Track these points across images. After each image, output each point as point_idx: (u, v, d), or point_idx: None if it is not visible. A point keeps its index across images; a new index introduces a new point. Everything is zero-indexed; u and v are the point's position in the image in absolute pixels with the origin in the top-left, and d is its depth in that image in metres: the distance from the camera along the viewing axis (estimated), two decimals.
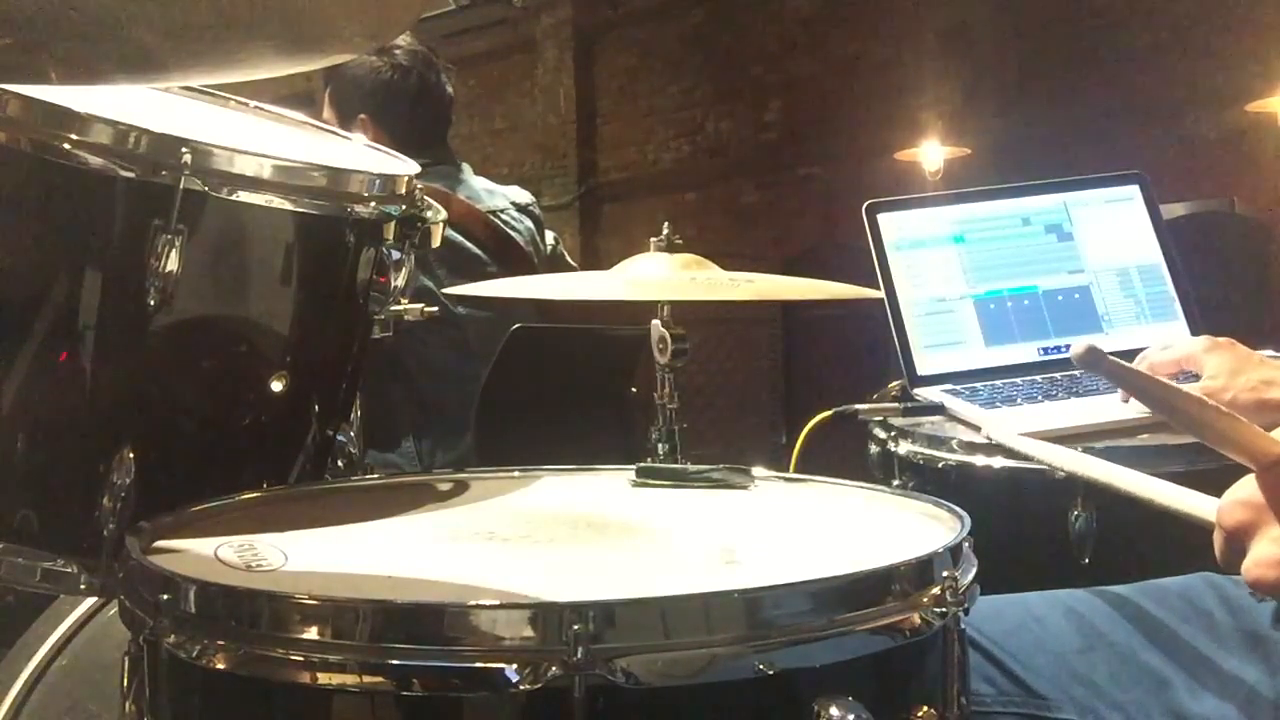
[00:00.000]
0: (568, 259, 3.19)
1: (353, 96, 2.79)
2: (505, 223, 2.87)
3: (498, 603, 0.84)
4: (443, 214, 1.41)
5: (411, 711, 0.85)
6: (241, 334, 1.29)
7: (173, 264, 1.15)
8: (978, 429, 1.57)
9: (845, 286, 1.55)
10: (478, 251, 2.77)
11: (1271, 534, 0.82)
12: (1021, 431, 1.49)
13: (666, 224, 1.46)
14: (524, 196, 3.00)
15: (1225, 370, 1.42)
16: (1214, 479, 0.95)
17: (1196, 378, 1.48)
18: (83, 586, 1.25)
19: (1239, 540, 0.85)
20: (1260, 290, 7.42)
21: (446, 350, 2.67)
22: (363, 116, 2.77)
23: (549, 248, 3.04)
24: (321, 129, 1.60)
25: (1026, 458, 1.38)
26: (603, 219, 10.72)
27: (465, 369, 2.69)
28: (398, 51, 2.79)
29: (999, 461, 1.50)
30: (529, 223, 2.94)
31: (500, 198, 2.92)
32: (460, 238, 2.71)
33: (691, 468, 1.30)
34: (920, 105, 8.50)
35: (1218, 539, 0.88)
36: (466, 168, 2.93)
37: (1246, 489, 0.85)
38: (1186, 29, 7.57)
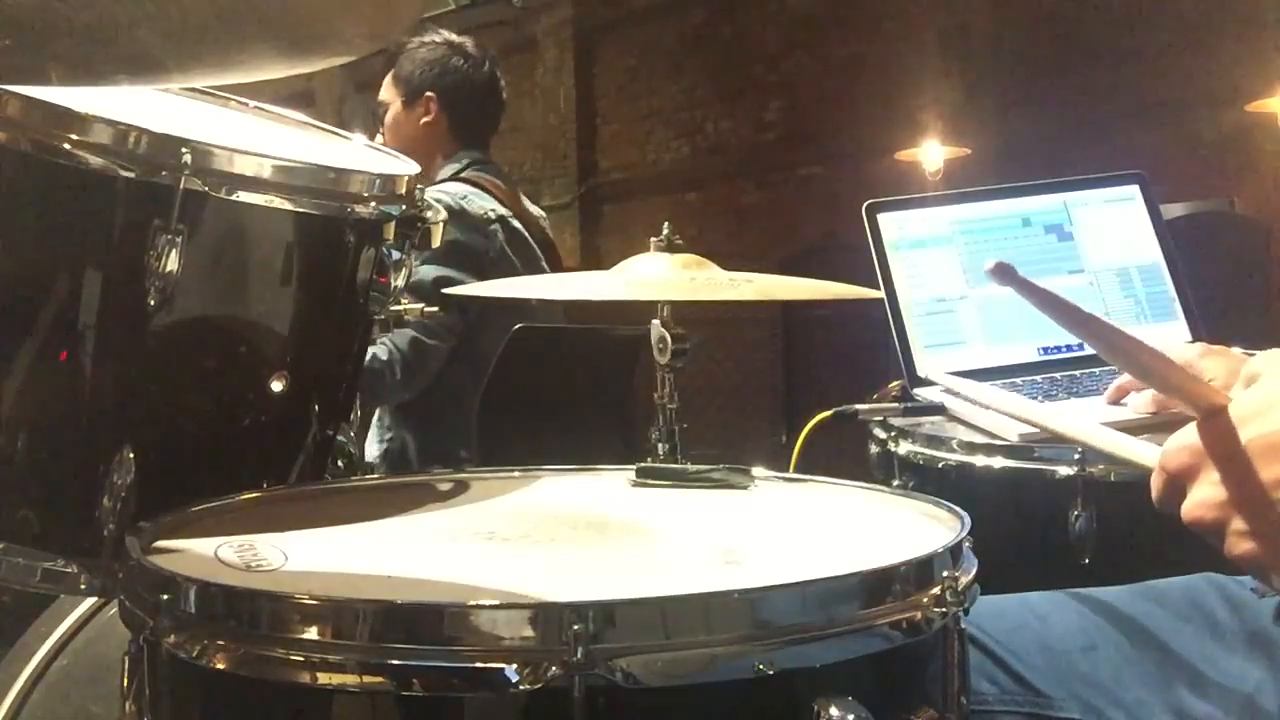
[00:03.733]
0: None
1: (423, 74, 2.88)
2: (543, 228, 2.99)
3: (498, 603, 0.84)
4: (443, 214, 1.41)
5: (411, 711, 0.85)
6: (241, 334, 1.29)
7: (173, 264, 1.15)
8: (978, 429, 1.57)
9: (845, 286, 1.55)
10: (536, 250, 2.85)
11: (1210, 478, 0.87)
12: (1021, 432, 1.49)
13: (666, 224, 1.46)
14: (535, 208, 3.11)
15: (1223, 374, 1.42)
16: None
17: None
18: (83, 586, 1.25)
19: (1179, 482, 0.89)
20: (1260, 290, 7.42)
21: (439, 334, 2.70)
22: (430, 94, 2.86)
23: None
24: (322, 129, 1.60)
25: (964, 398, 1.39)
26: (603, 219, 10.72)
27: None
28: (467, 44, 2.93)
29: (999, 461, 1.50)
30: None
31: (533, 205, 3.05)
32: (525, 232, 2.83)
33: (691, 468, 1.30)
34: (920, 105, 8.50)
35: (1157, 480, 0.91)
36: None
37: (1189, 435, 0.89)
38: (1187, 29, 7.57)
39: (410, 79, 2.88)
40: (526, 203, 2.97)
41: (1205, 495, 0.87)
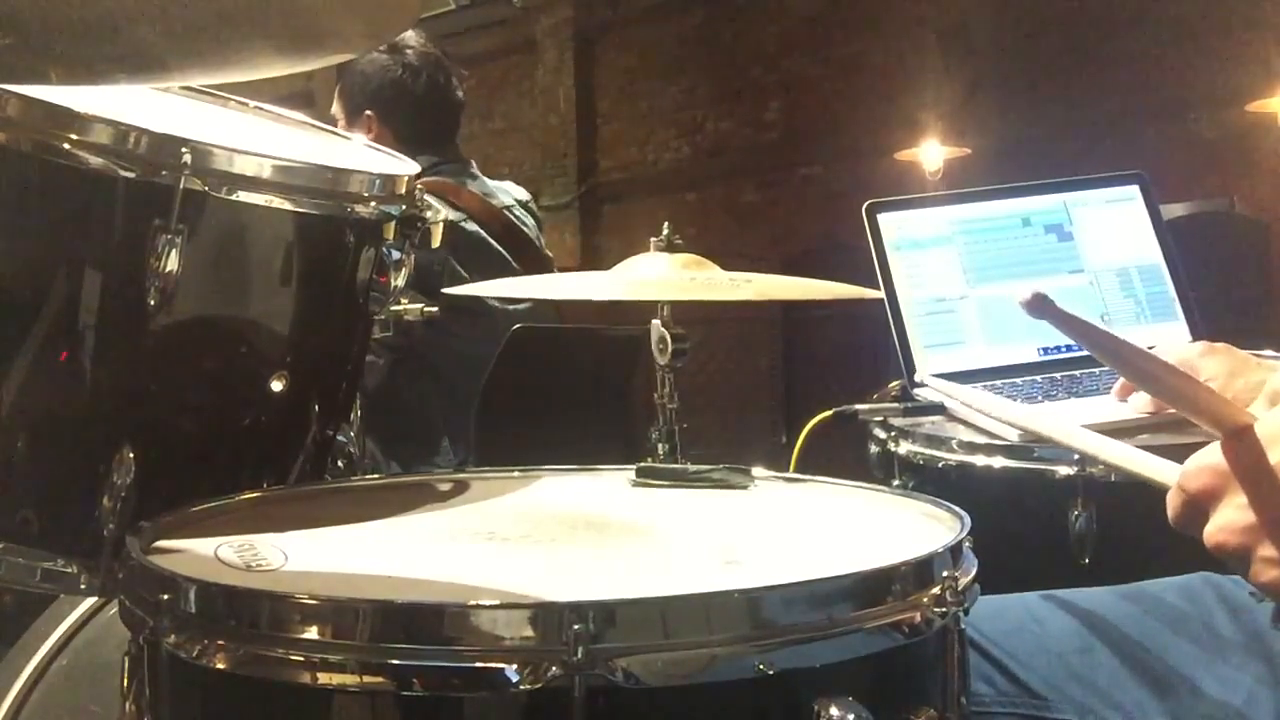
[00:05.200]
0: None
1: (361, 92, 2.83)
2: (517, 219, 2.90)
3: (498, 603, 0.84)
4: (443, 214, 1.41)
5: (411, 711, 0.85)
6: (241, 334, 1.29)
7: (173, 264, 1.15)
8: (978, 429, 1.57)
9: (845, 286, 1.55)
10: (498, 247, 2.79)
11: (1236, 501, 0.83)
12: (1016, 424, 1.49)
13: (666, 224, 1.46)
14: (523, 194, 3.04)
15: (1224, 373, 1.42)
16: None
17: None
18: (83, 586, 1.25)
19: (1201, 504, 0.86)
20: (1260, 290, 7.42)
21: (481, 343, 2.67)
22: (369, 113, 2.81)
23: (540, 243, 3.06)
24: (321, 129, 1.60)
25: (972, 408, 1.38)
26: (603, 219, 10.72)
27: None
28: (409, 51, 2.83)
29: (999, 461, 1.50)
30: (531, 220, 2.97)
31: (506, 195, 2.96)
32: (483, 233, 2.74)
33: (691, 468, 1.30)
34: (920, 105, 8.50)
35: (1176, 501, 0.88)
36: (474, 166, 2.95)
37: (1212, 455, 0.85)
38: (1186, 29, 7.57)
39: (351, 97, 2.83)
40: (504, 195, 2.88)
41: (1230, 519, 0.83)
